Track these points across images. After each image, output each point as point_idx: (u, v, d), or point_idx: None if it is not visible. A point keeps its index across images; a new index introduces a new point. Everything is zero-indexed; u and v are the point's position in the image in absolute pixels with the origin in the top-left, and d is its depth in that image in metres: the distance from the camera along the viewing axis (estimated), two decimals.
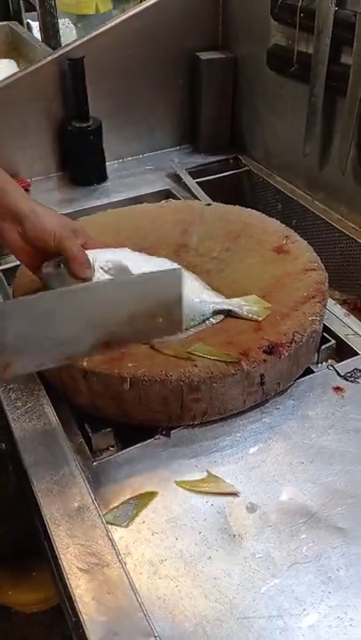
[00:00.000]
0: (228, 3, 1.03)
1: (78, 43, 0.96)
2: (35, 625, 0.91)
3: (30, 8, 1.69)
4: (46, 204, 0.94)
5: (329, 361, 0.68)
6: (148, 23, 0.98)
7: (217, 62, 1.04)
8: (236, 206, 0.82)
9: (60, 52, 0.95)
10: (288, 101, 0.96)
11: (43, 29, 1.49)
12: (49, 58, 0.94)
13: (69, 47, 0.95)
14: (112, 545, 0.47)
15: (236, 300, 0.63)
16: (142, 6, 0.98)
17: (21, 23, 1.74)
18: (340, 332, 0.69)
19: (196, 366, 0.56)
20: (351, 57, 0.76)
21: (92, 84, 0.96)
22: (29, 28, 1.71)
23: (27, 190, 0.99)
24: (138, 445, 0.57)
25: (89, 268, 0.60)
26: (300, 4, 0.83)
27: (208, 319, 0.61)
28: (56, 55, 0.94)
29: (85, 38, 0.96)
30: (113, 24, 0.97)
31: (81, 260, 0.59)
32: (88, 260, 0.60)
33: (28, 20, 1.73)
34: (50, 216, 0.61)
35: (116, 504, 0.51)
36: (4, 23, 1.66)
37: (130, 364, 0.55)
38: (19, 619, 0.92)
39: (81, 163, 1.01)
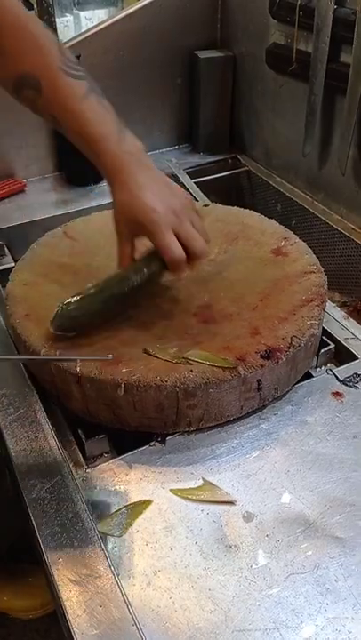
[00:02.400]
0: (227, 1, 1.02)
1: (75, 41, 0.95)
2: (31, 631, 0.91)
3: (29, 7, 1.68)
4: (42, 205, 0.95)
5: (328, 365, 0.67)
6: (146, 21, 0.97)
7: (216, 61, 1.03)
8: (235, 207, 0.81)
9: None
10: (287, 100, 0.95)
11: None
12: None
13: (66, 46, 0.94)
14: (105, 555, 0.46)
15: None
16: (140, 4, 0.97)
17: None
18: (340, 336, 0.68)
19: (191, 372, 0.54)
20: (351, 55, 0.75)
21: None
22: None
23: (22, 191, 0.99)
24: (132, 452, 0.56)
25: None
26: (299, 3, 0.82)
27: None
28: None
29: (82, 37, 0.95)
30: (110, 22, 0.96)
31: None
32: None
33: None
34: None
35: (109, 513, 0.50)
36: None
37: (124, 370, 0.54)
38: (15, 625, 0.91)
39: (77, 163, 0.98)
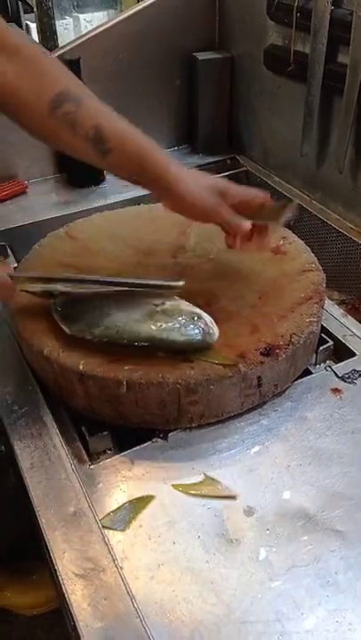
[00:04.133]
0: (225, 2, 1.02)
1: (75, 44, 0.95)
2: (35, 628, 0.91)
3: (29, 10, 1.69)
4: (43, 207, 0.96)
5: (327, 362, 0.67)
6: (145, 24, 0.98)
7: (214, 62, 1.04)
8: None
9: (56, 53, 0.95)
10: (285, 101, 0.95)
11: (40, 31, 1.49)
12: None
13: (66, 48, 0.95)
14: (108, 550, 0.46)
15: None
16: (139, 7, 0.98)
17: (20, 25, 1.74)
18: (338, 333, 0.69)
19: (192, 369, 0.55)
20: (348, 56, 0.76)
21: (88, 85, 0.93)
22: (28, 29, 1.71)
23: (24, 192, 0.99)
24: (135, 448, 0.56)
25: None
26: (296, 4, 0.83)
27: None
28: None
29: (82, 39, 0.96)
30: (110, 25, 0.97)
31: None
32: None
33: (27, 22, 1.73)
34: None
35: (112, 508, 0.51)
36: None
37: (126, 367, 0.55)
38: (19, 621, 0.92)
39: (78, 164, 1.00)
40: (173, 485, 0.53)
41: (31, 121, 0.57)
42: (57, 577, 0.45)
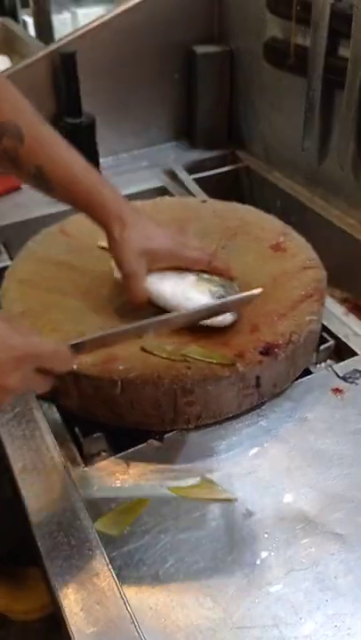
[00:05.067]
0: None
1: (71, 38, 0.94)
2: (31, 633, 0.91)
3: (26, 4, 1.67)
4: (38, 202, 0.94)
5: (328, 361, 0.66)
6: (143, 16, 0.97)
7: (213, 56, 1.03)
8: (233, 203, 0.81)
9: (52, 47, 0.93)
10: (286, 95, 0.94)
11: (37, 25, 1.47)
12: (40, 53, 0.93)
13: (61, 42, 0.94)
14: (102, 554, 0.45)
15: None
16: (136, 0, 0.96)
17: (16, 19, 1.72)
18: (340, 332, 0.68)
19: (189, 368, 0.54)
20: (349, 49, 0.75)
21: (85, 80, 0.94)
22: (25, 24, 1.69)
23: (18, 188, 0.98)
24: (130, 450, 0.55)
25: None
26: None
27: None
28: (48, 51, 0.93)
29: (78, 33, 0.95)
30: (107, 18, 0.95)
31: None
32: None
33: (24, 17, 1.71)
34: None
35: (107, 511, 0.50)
36: None
37: (121, 367, 0.54)
38: (15, 627, 0.91)
39: None
40: (170, 488, 0.52)
41: None
42: (50, 581, 0.44)
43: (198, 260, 0.60)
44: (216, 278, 0.61)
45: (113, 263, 0.59)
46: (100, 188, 0.56)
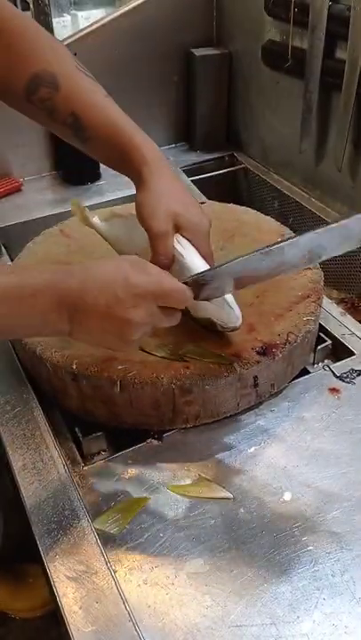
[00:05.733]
0: None
1: (70, 40, 0.95)
2: (31, 630, 0.91)
3: (27, 7, 1.67)
4: (39, 204, 0.95)
5: (325, 361, 0.67)
6: (142, 20, 0.97)
7: (211, 58, 1.03)
8: (231, 204, 0.81)
9: None
10: (283, 97, 0.95)
11: None
12: None
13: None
14: (101, 552, 0.46)
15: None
16: (135, 3, 0.97)
17: None
18: (337, 332, 0.68)
19: (187, 368, 0.54)
20: (346, 52, 0.75)
21: None
22: None
23: (19, 190, 0.99)
24: (129, 449, 0.56)
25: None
26: None
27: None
28: None
29: (77, 36, 0.95)
30: (106, 21, 0.96)
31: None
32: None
33: None
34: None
35: (106, 510, 0.50)
36: None
37: (120, 367, 0.54)
38: (15, 624, 0.91)
39: (74, 161, 1.00)
40: (169, 487, 0.52)
41: (11, 102, 0.54)
42: (49, 580, 0.45)
43: (208, 255, 0.56)
44: None
45: (88, 213, 0.56)
46: (136, 135, 0.54)
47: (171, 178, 0.55)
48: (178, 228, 0.54)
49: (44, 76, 0.52)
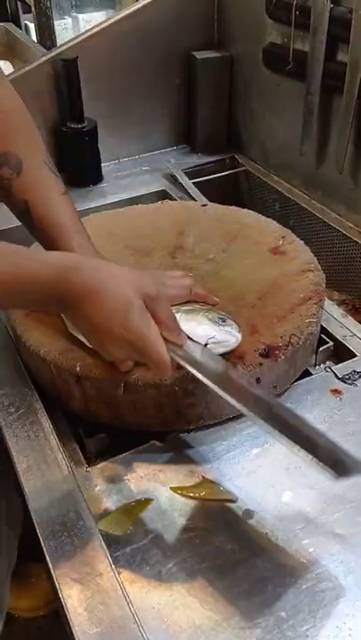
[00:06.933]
0: (224, 1, 1.02)
1: (72, 43, 0.95)
2: (34, 630, 0.91)
3: (28, 10, 1.68)
4: None
5: (327, 363, 0.67)
6: (143, 23, 0.98)
7: (213, 61, 1.04)
8: (233, 207, 0.81)
9: (54, 52, 0.94)
10: (285, 100, 0.95)
11: (38, 30, 1.48)
12: (42, 59, 0.94)
13: (63, 48, 0.95)
14: (105, 554, 0.46)
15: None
16: (137, 6, 0.97)
17: (18, 25, 1.74)
18: (338, 334, 0.68)
19: None
20: (347, 54, 0.76)
21: (87, 85, 0.95)
22: (27, 29, 1.71)
23: None
24: (132, 451, 0.56)
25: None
26: (295, 2, 0.82)
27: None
28: (49, 56, 0.94)
29: (79, 39, 0.95)
30: (107, 24, 0.96)
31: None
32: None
33: (26, 22, 1.73)
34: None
35: (110, 511, 0.50)
36: (0, 25, 1.66)
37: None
38: (18, 624, 0.91)
39: (76, 164, 1.00)
40: (172, 488, 0.52)
41: None
42: (53, 581, 0.45)
43: (180, 296, 0.56)
44: (197, 305, 0.58)
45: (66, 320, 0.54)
46: (76, 237, 0.57)
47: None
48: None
49: (10, 158, 0.55)
